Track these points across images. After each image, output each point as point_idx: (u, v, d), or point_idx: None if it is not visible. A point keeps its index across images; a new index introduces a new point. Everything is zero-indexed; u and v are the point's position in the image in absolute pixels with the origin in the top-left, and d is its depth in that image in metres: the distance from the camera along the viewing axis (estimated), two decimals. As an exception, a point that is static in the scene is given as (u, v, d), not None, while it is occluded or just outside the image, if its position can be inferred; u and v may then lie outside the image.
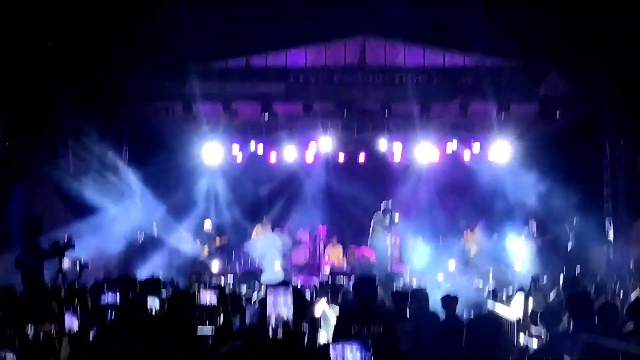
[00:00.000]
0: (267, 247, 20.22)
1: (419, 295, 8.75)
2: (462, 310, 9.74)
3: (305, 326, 6.22)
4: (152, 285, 9.79)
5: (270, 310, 3.99)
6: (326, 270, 19.58)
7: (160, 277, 12.66)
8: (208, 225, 21.11)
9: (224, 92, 19.69)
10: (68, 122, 18.95)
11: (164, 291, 10.38)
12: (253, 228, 21.59)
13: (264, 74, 20.01)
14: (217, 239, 20.94)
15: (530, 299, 7.95)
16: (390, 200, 20.57)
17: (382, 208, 20.47)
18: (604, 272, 16.80)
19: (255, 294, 12.79)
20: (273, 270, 18.93)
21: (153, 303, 7.84)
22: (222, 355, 4.45)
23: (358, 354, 3.94)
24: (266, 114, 20.12)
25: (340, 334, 6.48)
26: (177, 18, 18.18)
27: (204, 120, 20.59)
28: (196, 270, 17.47)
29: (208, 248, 20.54)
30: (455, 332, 7.65)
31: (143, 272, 15.31)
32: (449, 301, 8.23)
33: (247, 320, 7.34)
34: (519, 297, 8.25)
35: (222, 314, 6.30)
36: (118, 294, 8.05)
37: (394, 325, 6.92)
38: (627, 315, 6.57)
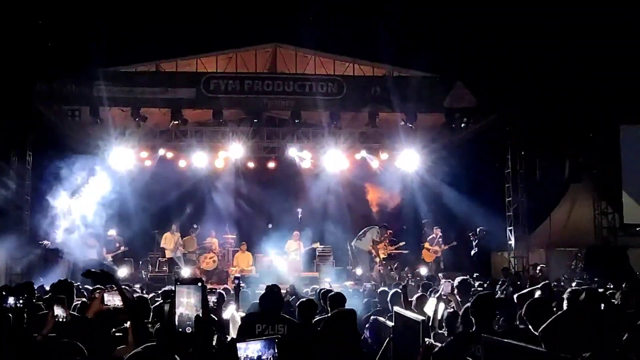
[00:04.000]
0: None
1: (337, 298, 8.87)
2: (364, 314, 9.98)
3: (213, 329, 6.25)
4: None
5: (178, 307, 4.00)
6: (235, 276, 19.51)
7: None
8: (113, 232, 20.73)
9: (133, 97, 19.36)
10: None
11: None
12: (161, 235, 21.38)
13: (174, 79, 19.78)
14: (122, 247, 20.64)
15: (442, 304, 8.13)
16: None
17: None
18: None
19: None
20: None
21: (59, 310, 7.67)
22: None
23: (264, 352, 4.03)
24: (176, 120, 19.95)
25: (245, 333, 6.60)
26: (86, 22, 17.86)
27: (112, 125, 20.22)
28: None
29: (112, 254, 20.24)
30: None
31: (47, 278, 14.93)
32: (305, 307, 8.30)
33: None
34: (432, 301, 8.42)
35: (129, 317, 6.24)
36: (20, 299, 7.85)
37: (300, 327, 7.06)
38: (524, 315, 6.86)
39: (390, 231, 21.53)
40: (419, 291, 10.60)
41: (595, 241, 21.69)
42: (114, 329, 6.58)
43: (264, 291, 7.72)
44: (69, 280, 8.10)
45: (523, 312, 6.85)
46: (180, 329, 3.99)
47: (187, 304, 3.97)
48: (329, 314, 5.15)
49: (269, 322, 6.97)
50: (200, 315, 3.98)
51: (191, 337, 3.96)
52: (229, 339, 7.16)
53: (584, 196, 23.13)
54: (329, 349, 5.67)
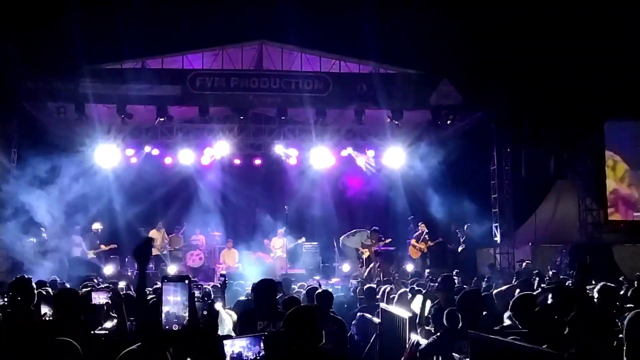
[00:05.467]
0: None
1: (325, 297, 8.87)
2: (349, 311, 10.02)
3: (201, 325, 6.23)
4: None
5: (165, 305, 3.97)
6: (221, 273, 19.46)
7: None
8: (96, 227, 20.52)
9: (119, 94, 19.26)
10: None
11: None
12: (147, 232, 21.27)
13: (159, 77, 19.68)
14: (103, 246, 20.42)
15: (428, 301, 8.17)
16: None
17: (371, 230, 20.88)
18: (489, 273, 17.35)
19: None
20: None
21: (46, 308, 7.63)
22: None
23: (250, 348, 4.04)
24: (162, 117, 19.86)
25: (246, 330, 6.53)
26: (71, 19, 17.75)
27: (97, 122, 20.13)
28: (87, 274, 17.05)
29: (96, 250, 20.06)
30: None
31: (34, 276, 14.84)
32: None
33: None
34: (419, 298, 8.45)
35: (116, 315, 6.21)
36: (5, 296, 7.81)
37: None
38: (510, 311, 6.89)
39: (381, 236, 21.55)
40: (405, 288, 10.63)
41: (580, 237, 21.83)
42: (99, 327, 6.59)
43: (250, 288, 7.63)
44: (27, 277, 8.00)
45: (510, 308, 6.90)
46: (167, 327, 3.97)
47: (173, 302, 3.95)
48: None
49: (270, 319, 6.81)
50: (185, 314, 3.96)
51: (178, 335, 3.94)
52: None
53: (569, 192, 23.26)
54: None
